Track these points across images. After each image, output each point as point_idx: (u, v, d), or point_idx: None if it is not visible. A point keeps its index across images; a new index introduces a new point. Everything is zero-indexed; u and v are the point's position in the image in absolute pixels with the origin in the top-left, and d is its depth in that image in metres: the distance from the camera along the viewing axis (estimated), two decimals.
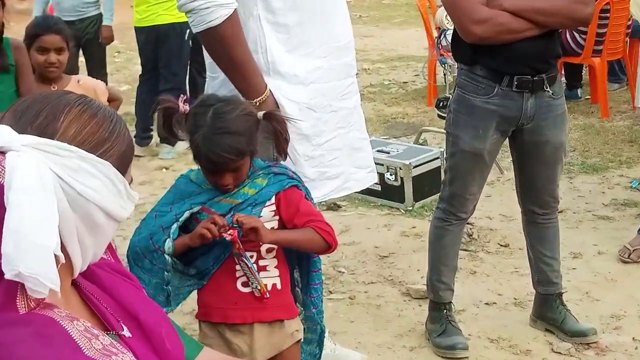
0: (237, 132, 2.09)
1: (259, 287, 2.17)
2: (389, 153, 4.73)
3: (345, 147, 2.64)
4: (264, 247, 2.20)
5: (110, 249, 1.27)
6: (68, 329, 1.03)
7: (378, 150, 4.73)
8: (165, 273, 2.15)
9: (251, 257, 2.19)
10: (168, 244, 2.14)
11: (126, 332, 1.15)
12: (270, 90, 2.44)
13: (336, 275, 3.82)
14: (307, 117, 2.52)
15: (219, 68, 2.45)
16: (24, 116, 1.07)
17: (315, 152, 2.53)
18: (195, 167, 2.22)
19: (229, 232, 2.08)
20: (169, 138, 6.04)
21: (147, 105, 5.73)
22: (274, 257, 2.23)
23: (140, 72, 6.00)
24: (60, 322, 1.03)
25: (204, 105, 2.14)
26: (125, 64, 8.89)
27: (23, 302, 1.03)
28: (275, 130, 2.17)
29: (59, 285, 1.00)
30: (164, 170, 5.53)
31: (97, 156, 1.07)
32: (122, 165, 1.11)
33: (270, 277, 2.22)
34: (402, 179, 4.57)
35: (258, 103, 2.38)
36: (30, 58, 3.18)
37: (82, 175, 1.05)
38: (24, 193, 0.98)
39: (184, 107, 2.13)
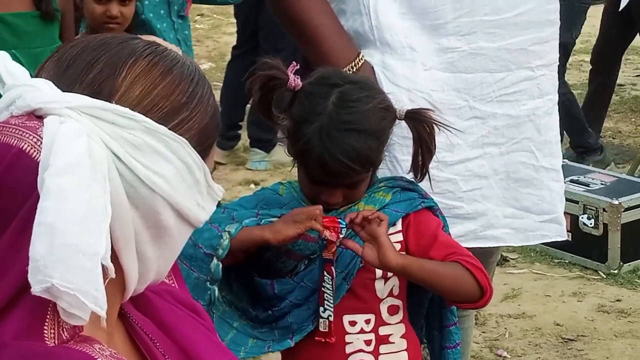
0: (369, 133, 2.10)
1: (331, 318, 2.16)
2: (587, 186, 4.67)
3: (497, 174, 2.52)
4: (384, 306, 2.21)
5: (175, 268, 1.30)
6: None
7: (572, 181, 4.66)
8: (212, 264, 2.12)
9: (367, 321, 2.21)
10: (232, 227, 2.13)
11: None
12: (366, 62, 2.41)
13: None
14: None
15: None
16: (72, 67, 1.11)
17: (439, 174, 2.40)
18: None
19: (330, 228, 2.10)
20: (261, 140, 6.16)
21: (238, 91, 5.87)
22: (400, 322, 2.23)
23: (232, 44, 6.15)
24: None
25: (325, 83, 2.15)
26: (209, 33, 9.14)
27: (53, 331, 1.06)
28: (419, 136, 2.17)
29: (105, 308, 1.03)
30: (252, 186, 5.64)
31: (170, 129, 1.10)
32: (203, 144, 1.14)
33: (394, 353, 2.22)
34: (605, 225, 4.50)
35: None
36: (83, 7, 3.34)
37: (148, 155, 1.08)
38: (66, 175, 1.01)
39: (295, 79, 2.14)
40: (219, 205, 2.12)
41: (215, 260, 2.13)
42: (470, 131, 2.45)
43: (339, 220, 2.12)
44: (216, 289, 2.16)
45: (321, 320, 2.17)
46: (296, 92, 2.15)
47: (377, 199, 2.20)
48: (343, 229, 2.11)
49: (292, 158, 2.21)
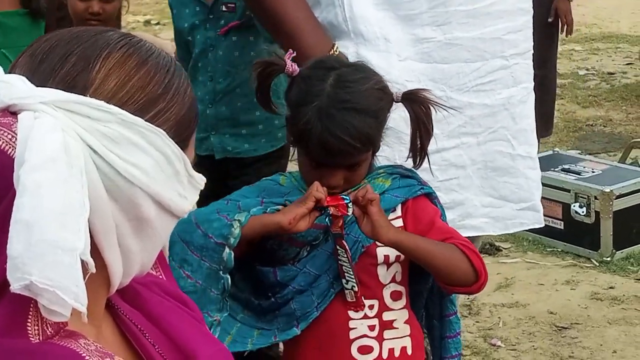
0: (367, 112, 2.13)
1: (355, 288, 2.19)
2: (579, 174, 4.69)
3: (475, 164, 2.54)
4: (387, 292, 2.22)
5: (162, 260, 1.29)
6: None
7: (563, 170, 4.69)
8: (225, 253, 2.14)
9: (370, 307, 2.23)
10: (241, 216, 2.16)
11: None
12: (341, 53, 2.41)
13: (488, 350, 3.80)
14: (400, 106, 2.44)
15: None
16: (45, 62, 1.10)
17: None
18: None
19: (335, 206, 2.13)
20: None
21: None
22: (403, 308, 2.25)
23: None
24: (87, 358, 1.05)
25: (322, 67, 2.19)
26: None
27: (36, 327, 1.05)
28: (417, 117, 2.20)
29: (86, 304, 1.02)
30: None
31: (146, 121, 1.09)
32: (181, 135, 1.13)
33: (398, 338, 2.24)
34: (597, 213, 4.51)
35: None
36: (67, 4, 3.34)
37: (125, 148, 1.07)
38: (41, 170, 1.01)
39: (292, 65, 2.18)
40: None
41: (227, 249, 2.15)
42: (448, 121, 2.45)
43: (343, 196, 2.14)
44: (229, 277, 2.18)
45: (346, 291, 2.20)
46: (294, 78, 2.19)
47: (377, 184, 2.22)
48: (348, 204, 2.14)
49: (291, 146, 2.24)
